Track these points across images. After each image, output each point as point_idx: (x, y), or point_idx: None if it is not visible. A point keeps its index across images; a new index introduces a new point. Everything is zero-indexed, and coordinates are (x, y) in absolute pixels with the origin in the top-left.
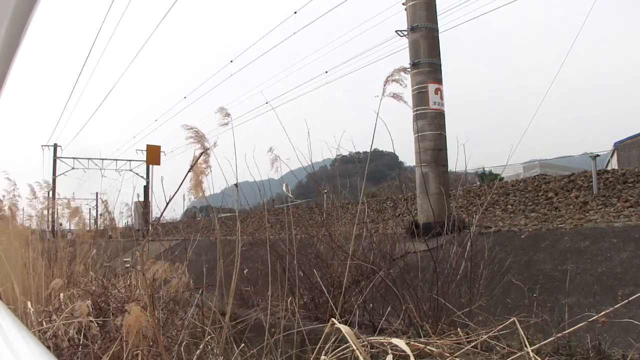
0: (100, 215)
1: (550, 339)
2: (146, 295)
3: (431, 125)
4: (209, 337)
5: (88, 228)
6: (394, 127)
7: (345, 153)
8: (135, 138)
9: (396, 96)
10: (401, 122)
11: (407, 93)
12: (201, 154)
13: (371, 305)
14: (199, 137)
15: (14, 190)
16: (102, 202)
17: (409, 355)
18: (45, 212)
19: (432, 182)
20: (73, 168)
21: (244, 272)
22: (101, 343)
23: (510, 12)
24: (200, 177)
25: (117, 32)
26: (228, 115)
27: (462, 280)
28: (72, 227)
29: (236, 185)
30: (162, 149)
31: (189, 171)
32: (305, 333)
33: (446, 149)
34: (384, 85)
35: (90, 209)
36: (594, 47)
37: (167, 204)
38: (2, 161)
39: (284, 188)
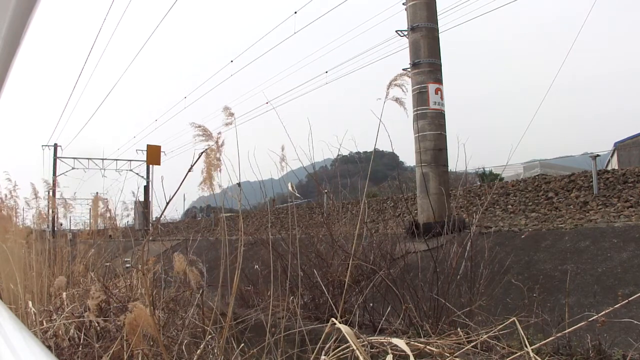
0: (101, 215)
1: (550, 339)
2: (147, 294)
3: (431, 125)
4: (210, 336)
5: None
6: (394, 127)
7: (346, 153)
8: (136, 138)
9: (398, 100)
10: (401, 122)
11: (408, 93)
12: (209, 148)
13: (371, 305)
14: (208, 135)
15: (14, 189)
16: (102, 201)
17: (409, 355)
18: (45, 211)
19: (433, 182)
20: (73, 168)
21: (255, 267)
22: (102, 342)
23: (510, 12)
24: (211, 171)
25: (117, 32)
26: (232, 114)
27: (462, 280)
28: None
29: (239, 184)
30: (162, 149)
31: (189, 170)
32: (306, 333)
33: (446, 149)
34: (387, 89)
35: (90, 208)
36: (594, 47)
37: (168, 203)
38: (2, 161)
39: (289, 187)
